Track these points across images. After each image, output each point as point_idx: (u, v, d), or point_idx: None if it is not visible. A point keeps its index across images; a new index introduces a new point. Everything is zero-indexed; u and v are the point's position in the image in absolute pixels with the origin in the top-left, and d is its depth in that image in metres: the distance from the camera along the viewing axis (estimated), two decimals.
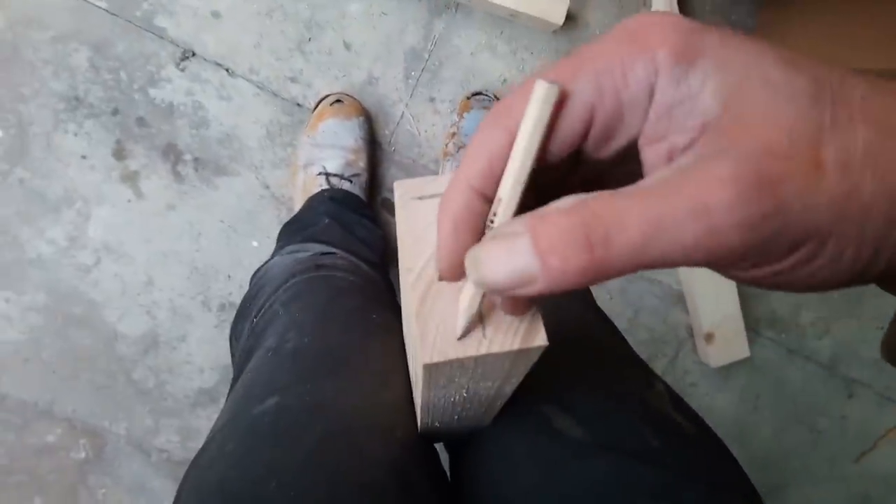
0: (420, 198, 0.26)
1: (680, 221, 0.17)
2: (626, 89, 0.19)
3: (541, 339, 0.24)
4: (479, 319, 0.24)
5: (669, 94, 0.19)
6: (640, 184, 0.18)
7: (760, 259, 0.18)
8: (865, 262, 0.18)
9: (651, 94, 0.19)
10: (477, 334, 0.24)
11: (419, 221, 0.26)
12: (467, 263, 0.20)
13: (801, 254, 0.18)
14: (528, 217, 0.18)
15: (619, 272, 0.18)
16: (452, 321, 0.24)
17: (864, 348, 1.23)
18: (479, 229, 0.22)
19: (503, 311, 0.24)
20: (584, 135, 0.20)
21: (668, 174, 0.18)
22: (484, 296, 0.23)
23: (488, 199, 0.21)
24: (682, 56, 0.18)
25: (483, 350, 0.24)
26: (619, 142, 0.21)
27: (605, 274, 0.18)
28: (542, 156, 0.20)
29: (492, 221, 0.21)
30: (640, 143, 0.20)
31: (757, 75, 0.18)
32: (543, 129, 0.19)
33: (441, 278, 0.24)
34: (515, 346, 0.24)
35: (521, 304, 0.23)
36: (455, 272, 0.23)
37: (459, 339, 0.24)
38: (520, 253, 0.18)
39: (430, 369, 0.24)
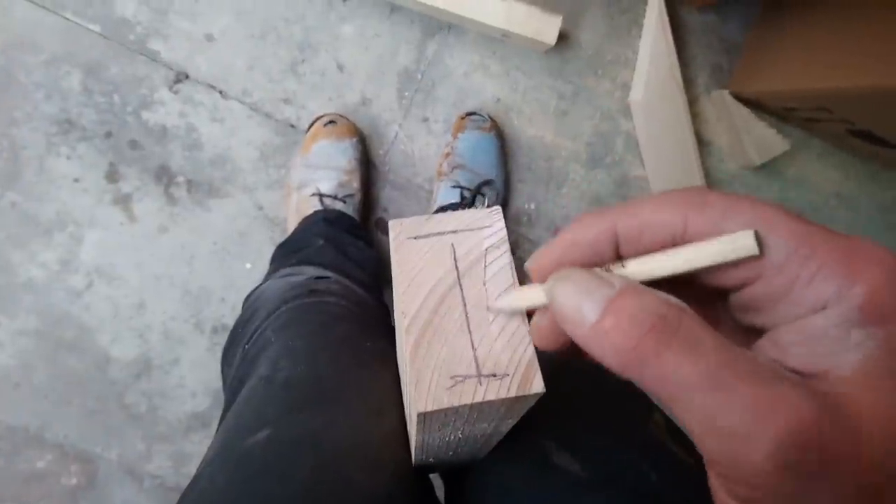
0: (416, 237, 0.26)
1: (724, 408, 0.16)
2: (802, 289, 0.18)
3: (537, 385, 0.23)
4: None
5: (825, 326, 0.18)
6: (748, 351, 0.18)
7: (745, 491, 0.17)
8: None
9: (817, 310, 0.18)
10: (472, 380, 0.23)
11: (414, 263, 0.26)
12: (557, 273, 0.21)
13: None
14: (630, 284, 0.19)
15: (640, 382, 0.18)
16: (447, 367, 0.24)
17: None
18: (586, 262, 0.22)
19: (535, 339, 0.24)
20: (740, 286, 0.20)
21: (761, 366, 0.17)
22: (531, 317, 0.24)
23: (614, 249, 0.21)
24: (869, 310, 0.17)
25: (479, 398, 0.23)
26: (752, 316, 0.20)
27: (631, 373, 0.18)
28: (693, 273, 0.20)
29: (610, 268, 0.21)
30: (771, 325, 0.20)
31: None
32: (716, 264, 0.19)
33: (528, 269, 0.23)
34: (512, 394, 0.23)
35: (553, 338, 0.23)
36: (538, 273, 0.23)
37: (494, 308, 0.25)
38: (595, 297, 0.19)
39: (425, 416, 0.24)
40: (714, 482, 0.18)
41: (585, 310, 0.19)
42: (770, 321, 0.19)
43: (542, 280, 0.23)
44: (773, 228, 0.18)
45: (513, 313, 0.25)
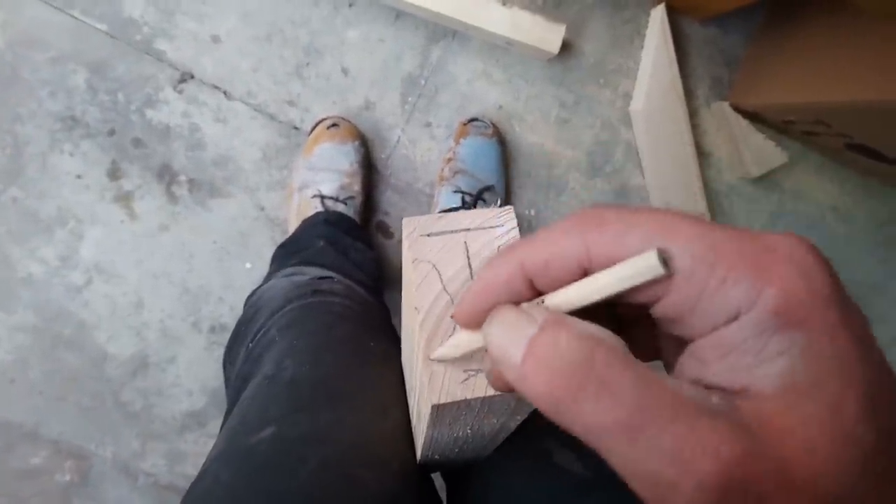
0: (428, 235, 0.26)
1: (643, 455, 0.15)
2: (711, 297, 0.17)
3: None
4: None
5: (742, 336, 0.17)
6: (670, 382, 0.17)
7: None
8: None
9: (731, 320, 0.17)
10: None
11: (427, 259, 0.26)
12: (490, 315, 0.20)
13: None
14: (553, 315, 0.18)
15: (568, 427, 0.17)
16: (461, 361, 0.24)
17: None
18: (507, 301, 0.21)
19: (490, 384, 0.23)
20: (653, 301, 0.19)
21: (681, 401, 0.16)
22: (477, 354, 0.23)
23: (530, 285, 0.20)
24: (784, 314, 0.16)
25: (491, 391, 0.24)
26: (674, 328, 0.19)
27: (555, 420, 0.17)
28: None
29: (541, 301, 0.21)
30: (690, 337, 0.19)
31: (832, 394, 0.16)
32: (626, 289, 0.18)
33: (453, 317, 0.23)
34: None
35: (501, 381, 0.22)
36: (468, 324, 0.22)
37: (432, 358, 0.24)
38: (519, 338, 0.18)
39: (438, 409, 0.24)
40: None
41: (511, 353, 0.18)
42: (688, 332, 0.18)
43: (470, 327, 0.22)
44: (674, 237, 0.17)
45: (453, 361, 0.24)
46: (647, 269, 0.17)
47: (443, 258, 0.26)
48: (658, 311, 0.19)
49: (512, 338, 0.18)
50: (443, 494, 0.45)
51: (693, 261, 0.17)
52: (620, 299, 0.19)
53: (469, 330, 0.23)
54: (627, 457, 0.16)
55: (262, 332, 0.54)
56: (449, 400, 0.24)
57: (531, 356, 0.17)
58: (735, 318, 0.17)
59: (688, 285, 0.17)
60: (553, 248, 0.19)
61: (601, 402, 0.16)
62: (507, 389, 0.22)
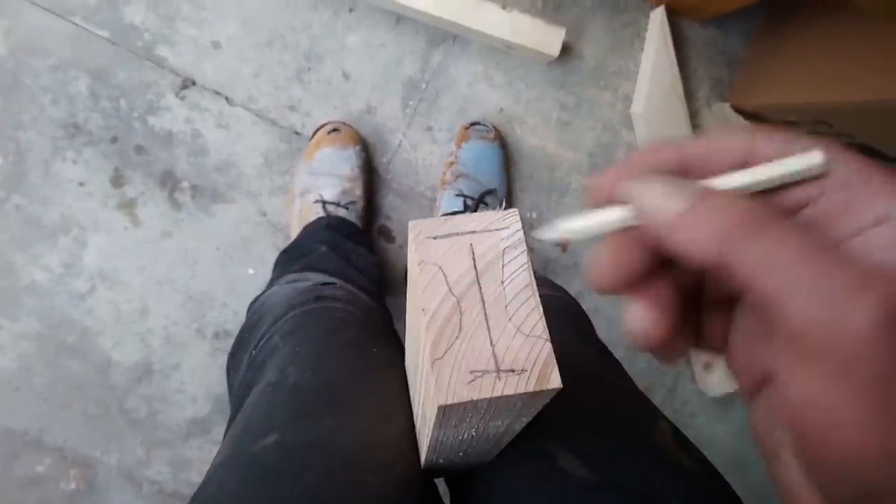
0: (435, 237, 0.27)
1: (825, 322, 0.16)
2: (863, 204, 0.20)
3: (555, 381, 0.24)
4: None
5: (890, 236, 0.19)
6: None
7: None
8: None
9: (878, 224, 0.19)
10: (491, 376, 0.24)
11: (434, 261, 0.26)
12: (637, 180, 0.21)
13: None
14: (713, 186, 0.20)
15: (730, 267, 0.18)
16: (467, 363, 0.24)
17: None
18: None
19: (597, 274, 0.22)
20: (801, 205, 0.21)
21: (852, 253, 0.18)
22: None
23: (682, 173, 0.22)
24: None
25: (497, 392, 0.24)
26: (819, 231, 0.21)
27: (724, 258, 0.18)
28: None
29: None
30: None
31: None
32: (792, 179, 0.20)
33: (591, 183, 0.23)
34: (530, 388, 0.24)
35: (617, 268, 0.22)
36: (605, 189, 0.23)
37: (566, 225, 0.23)
38: (684, 194, 0.19)
39: (445, 410, 0.24)
40: (794, 368, 0.17)
41: (673, 202, 0.19)
42: (833, 235, 0.20)
43: (603, 202, 0.22)
44: (834, 153, 0.20)
45: (587, 236, 0.23)
46: (817, 162, 0.20)
47: (449, 260, 0.26)
48: (808, 212, 0.21)
49: (675, 192, 0.20)
50: (446, 500, 0.45)
51: (849, 173, 0.20)
52: (777, 195, 0.21)
53: (597, 206, 0.23)
54: (804, 282, 0.17)
55: (265, 338, 0.54)
56: (455, 401, 0.24)
57: (705, 203, 0.19)
58: (882, 222, 0.19)
59: (841, 192, 0.20)
60: (719, 142, 0.22)
61: (782, 242, 0.17)
62: (615, 279, 0.22)
